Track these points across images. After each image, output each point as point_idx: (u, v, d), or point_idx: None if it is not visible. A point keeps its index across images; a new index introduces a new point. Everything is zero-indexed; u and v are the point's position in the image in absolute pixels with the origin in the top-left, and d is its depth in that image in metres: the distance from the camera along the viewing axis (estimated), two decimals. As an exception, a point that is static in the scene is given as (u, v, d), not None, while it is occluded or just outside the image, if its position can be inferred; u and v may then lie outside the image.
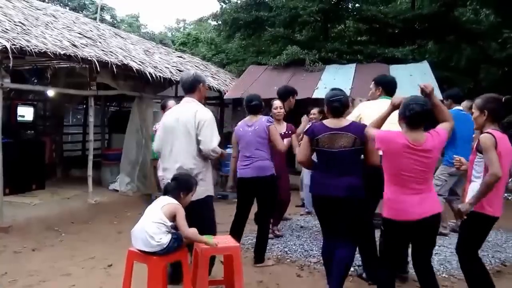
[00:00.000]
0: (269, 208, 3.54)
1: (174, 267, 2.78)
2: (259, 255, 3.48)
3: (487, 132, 2.43)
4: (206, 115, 2.87)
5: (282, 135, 3.90)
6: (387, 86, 3.20)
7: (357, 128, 2.65)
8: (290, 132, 4.06)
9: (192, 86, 2.96)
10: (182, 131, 2.83)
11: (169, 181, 2.60)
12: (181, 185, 2.51)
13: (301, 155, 2.80)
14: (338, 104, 2.69)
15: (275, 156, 3.68)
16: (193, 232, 2.45)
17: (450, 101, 4.51)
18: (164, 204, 2.41)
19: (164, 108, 4.43)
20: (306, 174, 5.17)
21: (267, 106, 4.11)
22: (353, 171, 2.63)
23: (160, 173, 3.02)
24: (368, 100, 3.37)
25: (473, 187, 2.49)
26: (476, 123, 2.57)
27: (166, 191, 2.51)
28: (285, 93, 4.33)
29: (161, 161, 3.01)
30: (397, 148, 2.26)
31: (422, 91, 2.44)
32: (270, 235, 4.02)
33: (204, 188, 2.86)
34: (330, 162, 2.67)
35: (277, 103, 4.08)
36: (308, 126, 3.71)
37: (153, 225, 2.33)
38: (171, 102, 4.51)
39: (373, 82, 3.31)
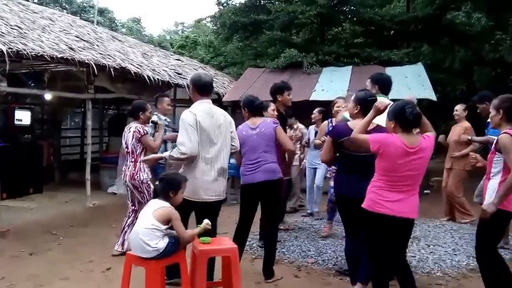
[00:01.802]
0: (277, 214, 3.40)
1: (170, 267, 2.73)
2: (271, 269, 3.21)
3: (505, 132, 2.52)
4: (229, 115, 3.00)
5: None
6: (383, 85, 3.22)
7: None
8: None
9: (212, 88, 2.96)
10: (219, 132, 2.81)
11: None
12: (169, 185, 2.44)
13: (326, 156, 2.84)
14: (373, 104, 2.64)
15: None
16: (190, 235, 2.45)
17: (487, 104, 3.97)
18: (155, 209, 2.36)
19: (161, 102, 4.33)
20: (308, 176, 5.17)
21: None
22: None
23: (199, 175, 2.70)
24: None
25: (492, 184, 2.60)
26: (492, 122, 2.69)
27: (155, 194, 2.46)
28: (272, 94, 4.07)
29: (199, 164, 2.72)
30: (395, 151, 2.32)
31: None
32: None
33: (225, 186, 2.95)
34: (354, 165, 2.68)
35: (273, 105, 3.92)
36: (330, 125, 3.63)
37: (146, 231, 2.30)
38: (167, 99, 4.54)
39: (369, 80, 3.30)
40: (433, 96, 6.37)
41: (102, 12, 20.34)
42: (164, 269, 2.61)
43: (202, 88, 2.85)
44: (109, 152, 7.65)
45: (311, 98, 6.63)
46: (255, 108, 3.34)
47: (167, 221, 2.35)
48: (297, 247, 3.92)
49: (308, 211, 5.28)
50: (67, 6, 19.85)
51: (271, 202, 3.26)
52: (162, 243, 2.33)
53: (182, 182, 2.48)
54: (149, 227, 2.31)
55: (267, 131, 3.25)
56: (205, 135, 2.73)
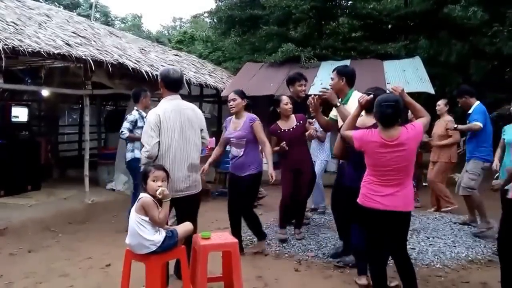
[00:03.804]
0: None
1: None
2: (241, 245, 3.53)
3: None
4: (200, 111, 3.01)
5: (294, 128, 3.84)
6: (350, 78, 3.25)
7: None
8: (301, 122, 3.87)
9: (181, 84, 2.95)
10: (188, 127, 2.79)
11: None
12: (141, 178, 2.51)
13: (338, 151, 3.03)
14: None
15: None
16: (162, 213, 2.39)
17: (467, 97, 4.33)
18: (135, 204, 2.42)
19: (145, 97, 4.60)
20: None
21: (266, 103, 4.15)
22: None
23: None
24: (331, 89, 3.38)
25: None
26: None
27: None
28: (287, 85, 4.30)
29: (167, 163, 2.69)
30: (373, 147, 2.38)
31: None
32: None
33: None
34: None
35: (285, 98, 3.87)
36: None
37: (137, 227, 2.33)
38: (149, 94, 4.74)
39: (334, 72, 3.29)
40: (431, 90, 6.36)
41: (95, 6, 20.21)
42: (164, 265, 2.61)
43: (171, 85, 2.83)
44: (107, 148, 7.61)
45: (310, 92, 6.60)
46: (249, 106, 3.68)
47: (145, 211, 2.37)
48: (297, 241, 3.92)
49: (312, 206, 5.01)
50: (62, 1, 19.70)
51: None
52: (159, 237, 2.34)
53: (149, 171, 2.47)
54: (137, 223, 2.34)
55: None
56: (171, 133, 2.71)
